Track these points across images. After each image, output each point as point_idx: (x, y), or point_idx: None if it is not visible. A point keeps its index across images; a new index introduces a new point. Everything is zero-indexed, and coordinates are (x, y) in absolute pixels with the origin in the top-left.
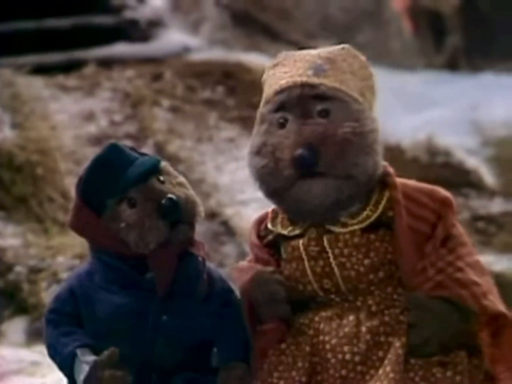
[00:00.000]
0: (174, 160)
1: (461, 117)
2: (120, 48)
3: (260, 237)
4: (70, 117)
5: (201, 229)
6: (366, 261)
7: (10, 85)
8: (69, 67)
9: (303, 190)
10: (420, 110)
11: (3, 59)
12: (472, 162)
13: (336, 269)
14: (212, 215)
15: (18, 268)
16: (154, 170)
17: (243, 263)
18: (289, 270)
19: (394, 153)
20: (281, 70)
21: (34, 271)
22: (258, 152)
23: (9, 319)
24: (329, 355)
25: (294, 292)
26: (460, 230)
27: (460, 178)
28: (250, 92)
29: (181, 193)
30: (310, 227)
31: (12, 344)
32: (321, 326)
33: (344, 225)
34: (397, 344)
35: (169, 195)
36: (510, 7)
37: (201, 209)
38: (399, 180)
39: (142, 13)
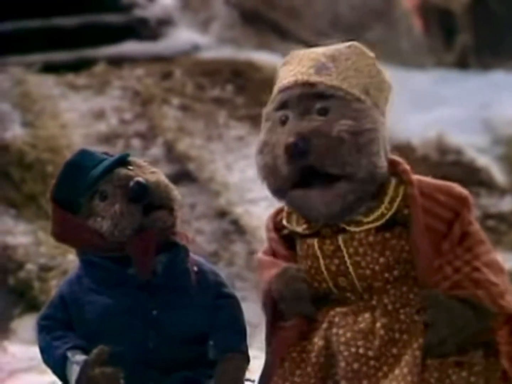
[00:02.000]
0: (184, 158)
1: (471, 115)
2: (130, 47)
3: (277, 230)
4: (80, 116)
5: (210, 228)
6: (381, 260)
7: (21, 83)
8: (79, 66)
9: (304, 200)
10: (430, 108)
11: (13, 58)
12: (483, 161)
13: (351, 268)
14: (221, 214)
15: (28, 266)
16: (121, 162)
17: (265, 257)
18: (304, 267)
19: (404, 151)
20: (287, 68)
21: (45, 269)
22: (261, 151)
23: (20, 316)
24: (342, 348)
25: (311, 290)
26: (477, 227)
27: (470, 177)
28: (260, 90)
29: (151, 177)
30: (324, 225)
31: (23, 341)
32: (336, 319)
33: (359, 223)
34: (415, 344)
35: (136, 178)
36: None
37: (175, 194)
38: (415, 177)
39: (152, 12)
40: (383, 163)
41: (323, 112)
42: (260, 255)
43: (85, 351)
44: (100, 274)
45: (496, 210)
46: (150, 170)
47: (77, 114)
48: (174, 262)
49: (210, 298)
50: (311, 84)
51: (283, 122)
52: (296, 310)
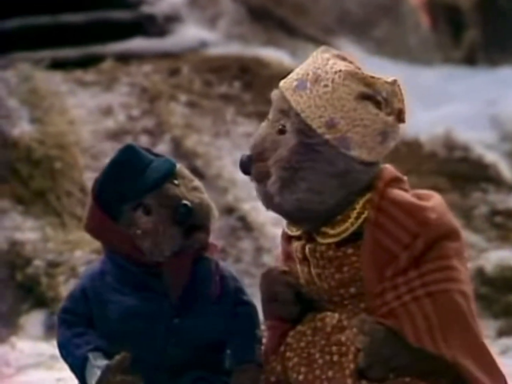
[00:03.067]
0: (191, 155)
1: (479, 112)
2: (138, 43)
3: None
4: (88, 112)
5: (218, 224)
6: (337, 276)
7: (29, 80)
8: (86, 62)
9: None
10: (438, 105)
11: (21, 54)
12: (491, 157)
13: (315, 279)
14: (229, 210)
15: (36, 262)
16: (170, 174)
17: (277, 253)
18: (291, 269)
19: (412, 148)
20: (302, 64)
21: (52, 265)
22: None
23: (28, 312)
24: (289, 373)
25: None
26: (444, 252)
27: (478, 173)
28: (267, 87)
29: (196, 197)
30: (304, 232)
31: (31, 337)
32: (291, 341)
33: (324, 235)
34: (347, 370)
35: (184, 202)
36: None
37: (215, 213)
38: (387, 193)
39: (159, 8)
40: (322, 199)
41: (281, 131)
42: (277, 250)
43: (106, 354)
44: (126, 276)
45: (504, 207)
46: (192, 184)
47: (85, 110)
48: (200, 275)
49: (229, 305)
50: (284, 99)
51: (265, 121)
52: (271, 312)
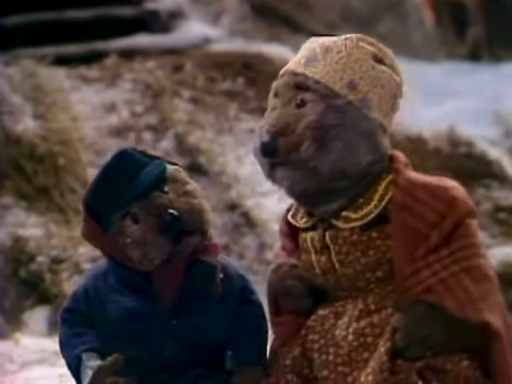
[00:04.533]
0: (195, 151)
1: (483, 107)
2: (141, 39)
3: (289, 224)
4: (91, 108)
5: (221, 221)
6: (363, 260)
7: (32, 76)
8: (90, 58)
9: (277, 179)
10: (442, 100)
11: (25, 50)
12: (494, 153)
13: (337, 265)
14: (232, 207)
15: (40, 258)
16: (158, 182)
17: (276, 250)
18: (303, 260)
19: (416, 144)
20: (295, 56)
21: (56, 261)
22: (256, 133)
23: (31, 309)
24: (315, 355)
25: (308, 284)
26: (471, 230)
27: (482, 169)
28: (271, 83)
29: (185, 203)
30: (320, 220)
31: (34, 333)
32: (314, 324)
33: (346, 220)
34: (382, 349)
35: (170, 211)
36: None
37: (208, 216)
38: (408, 175)
39: (162, 4)
40: (357, 159)
41: (301, 104)
42: (276, 247)
43: (102, 355)
44: (124, 278)
45: (508, 203)
46: (184, 188)
47: (88, 106)
48: (198, 276)
49: (233, 304)
50: (296, 74)
51: (273, 109)
52: (287, 306)
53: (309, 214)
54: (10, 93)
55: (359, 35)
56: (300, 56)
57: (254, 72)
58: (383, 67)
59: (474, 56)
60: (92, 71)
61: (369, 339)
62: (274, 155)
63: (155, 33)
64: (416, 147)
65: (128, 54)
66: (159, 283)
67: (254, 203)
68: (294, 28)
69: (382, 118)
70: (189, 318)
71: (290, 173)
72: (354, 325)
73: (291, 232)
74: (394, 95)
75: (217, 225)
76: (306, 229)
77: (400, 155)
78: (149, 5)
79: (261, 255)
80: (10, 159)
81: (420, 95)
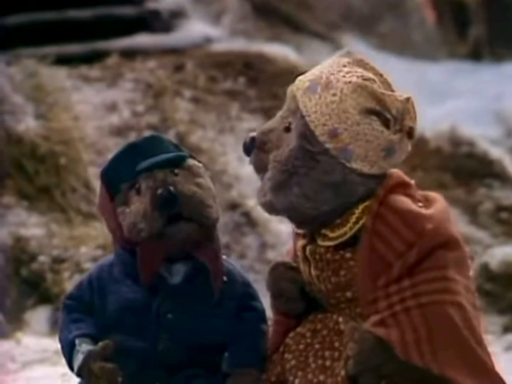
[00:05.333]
0: (196, 151)
1: (484, 107)
2: (142, 39)
3: None
4: (92, 108)
5: (222, 220)
6: (334, 279)
7: (34, 75)
8: (91, 58)
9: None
10: (443, 100)
11: (26, 50)
12: (496, 153)
13: (315, 280)
14: (233, 206)
15: (41, 258)
16: (171, 163)
17: (287, 249)
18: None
19: (417, 143)
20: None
21: (57, 261)
22: None
23: (33, 308)
24: (287, 375)
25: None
26: (440, 262)
27: (483, 169)
28: (272, 82)
29: (190, 190)
30: (307, 232)
31: (36, 333)
32: (290, 342)
33: (324, 237)
34: (339, 377)
35: (167, 187)
36: None
37: (210, 211)
38: (390, 200)
39: (164, 4)
40: (316, 206)
41: (288, 129)
42: (287, 246)
43: (95, 341)
44: (127, 267)
45: (509, 203)
46: (197, 180)
47: (89, 106)
48: (195, 272)
49: (234, 309)
50: (294, 97)
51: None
52: (278, 307)
53: None
54: (11, 92)
55: (361, 82)
56: (309, 76)
57: (255, 72)
58: (375, 123)
59: (475, 55)
60: (93, 71)
61: (327, 363)
62: (248, 156)
63: (156, 32)
64: (417, 147)
65: (129, 54)
66: (139, 256)
67: (255, 203)
68: (295, 27)
69: (367, 167)
70: (185, 316)
71: (259, 186)
72: (317, 346)
73: (298, 234)
74: (387, 148)
75: (218, 225)
76: (300, 236)
77: (395, 177)
78: (150, 5)
79: (262, 254)
80: (12, 158)
81: (421, 95)
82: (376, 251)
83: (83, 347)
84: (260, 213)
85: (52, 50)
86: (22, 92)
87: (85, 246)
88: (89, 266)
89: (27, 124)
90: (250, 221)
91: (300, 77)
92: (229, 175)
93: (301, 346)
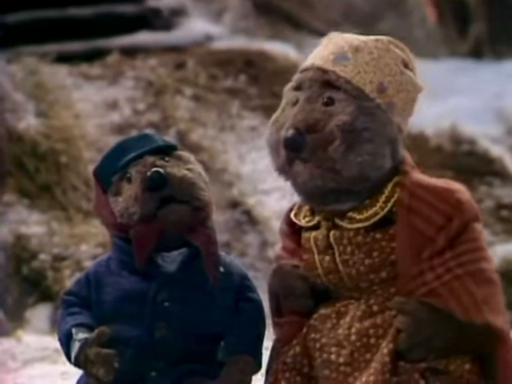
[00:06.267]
0: (197, 149)
1: (485, 105)
2: (143, 37)
3: (290, 223)
4: (93, 106)
5: (223, 218)
6: (367, 261)
7: (34, 73)
8: (92, 56)
9: (295, 174)
10: (444, 98)
11: (27, 48)
12: (496, 151)
13: (340, 265)
14: (234, 204)
15: (42, 256)
16: (160, 151)
17: (277, 251)
18: (306, 260)
19: (418, 141)
20: (317, 50)
21: (58, 259)
22: (270, 127)
23: (33, 306)
24: (317, 354)
25: (309, 284)
26: (475, 234)
27: (484, 167)
28: (273, 80)
29: (178, 172)
30: (323, 219)
31: (36, 331)
32: (316, 323)
33: (351, 220)
34: (385, 350)
35: (156, 168)
36: None
37: (202, 193)
38: (415, 177)
39: (164, 2)
40: (382, 164)
41: (329, 102)
42: (276, 248)
43: (92, 330)
44: (124, 258)
45: (510, 201)
46: (188, 166)
47: (90, 104)
48: (191, 260)
49: (231, 300)
50: (324, 71)
51: (294, 103)
52: (289, 306)
53: (312, 213)
54: (12, 90)
55: (390, 38)
56: (327, 52)
57: (256, 70)
58: (409, 73)
59: (476, 53)
60: (94, 69)
61: (372, 340)
62: (300, 151)
63: (157, 30)
64: (418, 144)
65: (130, 52)
66: (133, 239)
67: (256, 201)
68: (296, 25)
69: (402, 123)
70: (182, 305)
71: (310, 170)
72: (357, 325)
73: (292, 232)
74: (414, 100)
75: (218, 223)
76: (308, 229)
77: (407, 157)
78: (151, 3)
79: (263, 252)
80: (12, 156)
81: (422, 93)
82: (414, 227)
83: (80, 336)
84: (261, 211)
85: (53, 48)
86: (23, 90)
87: (85, 244)
88: (89, 264)
89: (28, 122)
90: (250, 219)
91: (312, 58)
92: (230, 173)
93: (328, 325)
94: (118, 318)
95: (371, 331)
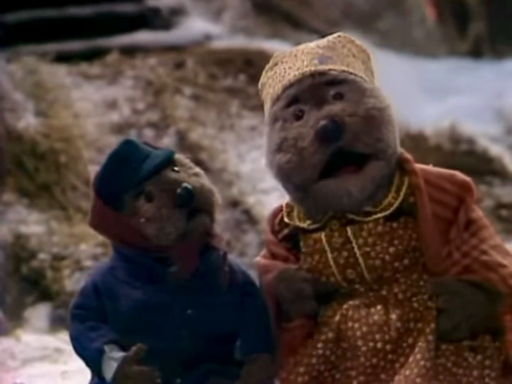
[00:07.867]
0: (196, 148)
1: (484, 104)
2: (143, 36)
3: (275, 232)
4: (93, 105)
5: (223, 218)
6: (391, 249)
7: (34, 73)
8: (91, 55)
9: (335, 187)
10: (444, 97)
11: (26, 47)
12: (496, 150)
13: (360, 259)
14: (234, 204)
15: (41, 255)
16: (168, 161)
17: (263, 261)
18: (310, 263)
19: (417, 140)
20: (283, 67)
21: (57, 258)
22: (278, 149)
23: (33, 305)
24: (360, 343)
25: (318, 285)
26: (480, 213)
27: (483, 166)
28: None
29: (196, 182)
30: (331, 219)
31: (36, 330)
32: (350, 312)
33: (367, 214)
34: (427, 330)
35: (184, 184)
36: None
37: (217, 199)
38: (417, 166)
39: (164, 1)
40: (395, 143)
41: (339, 96)
42: (258, 259)
43: (122, 347)
44: (135, 268)
45: (509, 200)
46: (193, 171)
47: (90, 103)
48: (209, 265)
49: (238, 296)
50: (321, 73)
51: (298, 116)
52: (298, 310)
53: (309, 216)
54: (11, 90)
55: (341, 33)
56: (307, 62)
57: (256, 69)
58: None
59: (476, 52)
60: (94, 68)
61: (412, 324)
62: (339, 136)
63: (157, 30)
64: (417, 144)
65: (130, 51)
66: (177, 257)
67: (255, 200)
68: (296, 24)
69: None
70: (202, 310)
71: (362, 177)
72: (397, 311)
73: (280, 239)
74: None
75: (218, 222)
76: (310, 231)
77: (402, 150)
78: (151, 2)
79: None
80: (12, 156)
81: (422, 92)
82: (432, 212)
83: (115, 354)
84: (260, 211)
85: (53, 47)
86: (22, 90)
87: (85, 243)
88: (89, 263)
89: (27, 122)
90: (250, 219)
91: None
92: (230, 173)
93: (363, 313)
94: (140, 330)
95: (411, 315)
